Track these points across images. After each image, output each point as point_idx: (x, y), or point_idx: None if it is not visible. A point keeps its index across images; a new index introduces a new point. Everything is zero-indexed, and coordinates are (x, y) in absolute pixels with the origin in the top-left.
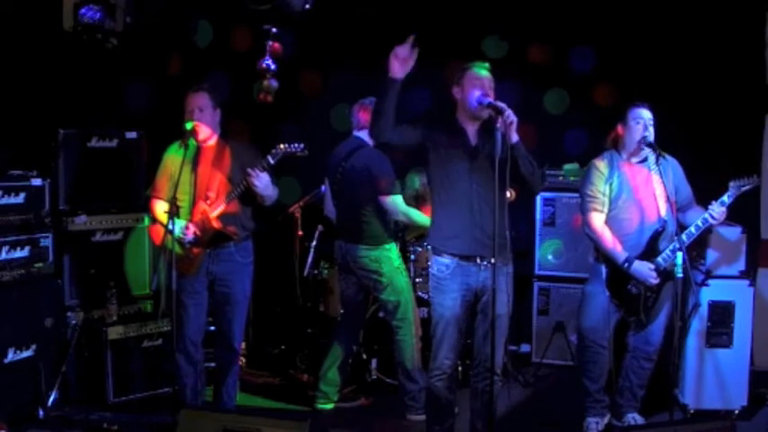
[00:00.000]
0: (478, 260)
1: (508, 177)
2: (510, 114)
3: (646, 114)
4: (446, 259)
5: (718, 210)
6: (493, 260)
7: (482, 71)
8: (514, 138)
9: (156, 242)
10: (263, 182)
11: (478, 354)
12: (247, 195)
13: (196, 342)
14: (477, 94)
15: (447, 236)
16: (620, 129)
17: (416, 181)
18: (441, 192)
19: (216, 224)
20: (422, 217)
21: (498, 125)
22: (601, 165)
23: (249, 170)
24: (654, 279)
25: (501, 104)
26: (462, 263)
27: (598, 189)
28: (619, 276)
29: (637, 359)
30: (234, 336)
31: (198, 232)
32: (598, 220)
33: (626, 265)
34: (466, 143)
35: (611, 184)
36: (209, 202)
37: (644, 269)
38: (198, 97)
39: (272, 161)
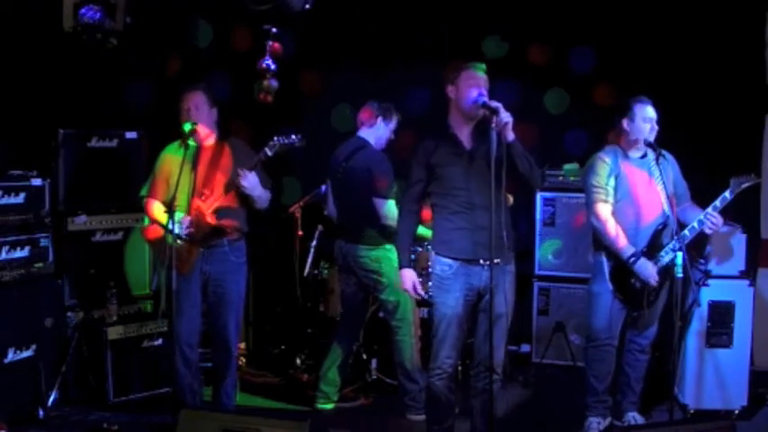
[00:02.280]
0: (481, 261)
1: (505, 177)
2: (504, 115)
3: (653, 113)
4: (448, 260)
5: (712, 218)
6: (497, 260)
7: (478, 71)
8: (510, 137)
9: (150, 237)
10: (250, 182)
11: (479, 353)
12: (242, 198)
13: (191, 344)
14: (473, 93)
15: (450, 240)
16: (625, 124)
17: None
18: (440, 198)
19: (211, 219)
20: (422, 230)
21: (493, 125)
22: (606, 158)
23: (239, 170)
24: (654, 281)
25: (496, 104)
26: (465, 264)
27: (604, 180)
28: (622, 270)
29: (632, 352)
30: (230, 336)
31: (193, 229)
32: (605, 210)
33: (632, 259)
34: (460, 148)
35: (615, 177)
36: (203, 198)
37: (648, 268)
38: (193, 95)
39: (269, 153)
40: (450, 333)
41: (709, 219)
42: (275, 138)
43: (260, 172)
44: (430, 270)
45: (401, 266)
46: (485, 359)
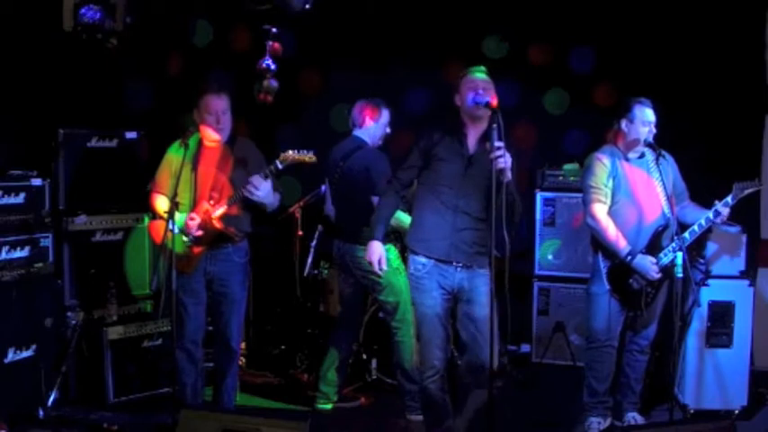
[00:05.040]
0: (454, 263)
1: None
2: (501, 159)
3: (653, 117)
4: (422, 258)
5: (722, 210)
6: (470, 265)
7: (476, 74)
8: (506, 178)
9: (156, 240)
10: (264, 190)
11: (468, 353)
12: (249, 200)
13: (196, 341)
14: (471, 95)
15: (425, 238)
16: (623, 124)
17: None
18: (427, 193)
19: (218, 224)
20: (403, 216)
21: (491, 156)
22: (604, 158)
23: (250, 179)
24: (655, 273)
25: (498, 143)
26: (438, 264)
27: (602, 181)
28: (620, 271)
29: (631, 353)
30: (232, 335)
31: (201, 233)
32: (601, 210)
33: (629, 258)
34: (464, 149)
35: (613, 178)
36: (212, 202)
37: (646, 263)
38: (222, 101)
39: (280, 166)
40: (433, 333)
41: (718, 216)
42: (288, 152)
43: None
44: (408, 270)
45: (372, 238)
46: (472, 359)
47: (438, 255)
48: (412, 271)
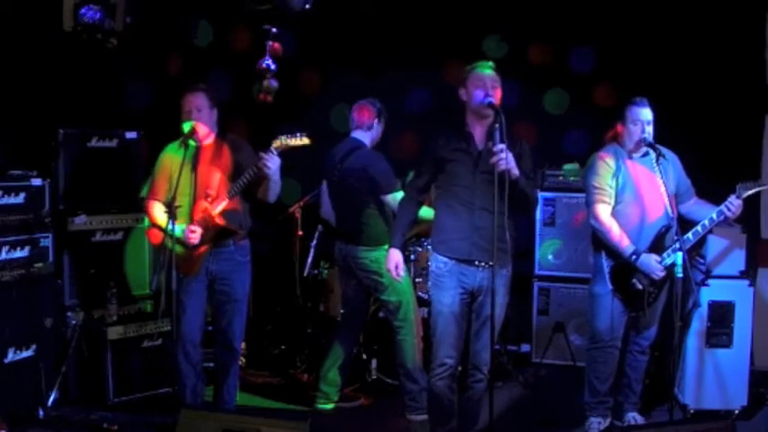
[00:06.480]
0: (476, 262)
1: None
2: (503, 162)
3: (644, 116)
4: (444, 258)
5: (735, 203)
6: (491, 262)
7: (485, 70)
8: (513, 176)
9: (154, 242)
10: (275, 164)
11: (469, 353)
12: (249, 191)
13: (195, 342)
14: (480, 94)
15: (446, 239)
16: (619, 127)
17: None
18: (444, 195)
19: (220, 221)
20: (425, 211)
21: (493, 160)
22: (607, 158)
23: (262, 153)
24: (660, 272)
25: (498, 146)
26: (460, 264)
27: (605, 181)
28: (622, 271)
29: (632, 353)
30: (234, 335)
31: (202, 231)
32: (605, 211)
33: (633, 257)
34: (471, 148)
35: (617, 178)
36: (209, 199)
37: (651, 262)
38: (195, 97)
39: (275, 153)
40: (448, 331)
41: (727, 209)
42: (281, 136)
43: None
44: (429, 267)
45: (390, 246)
46: (472, 358)
47: (459, 255)
48: (433, 269)
